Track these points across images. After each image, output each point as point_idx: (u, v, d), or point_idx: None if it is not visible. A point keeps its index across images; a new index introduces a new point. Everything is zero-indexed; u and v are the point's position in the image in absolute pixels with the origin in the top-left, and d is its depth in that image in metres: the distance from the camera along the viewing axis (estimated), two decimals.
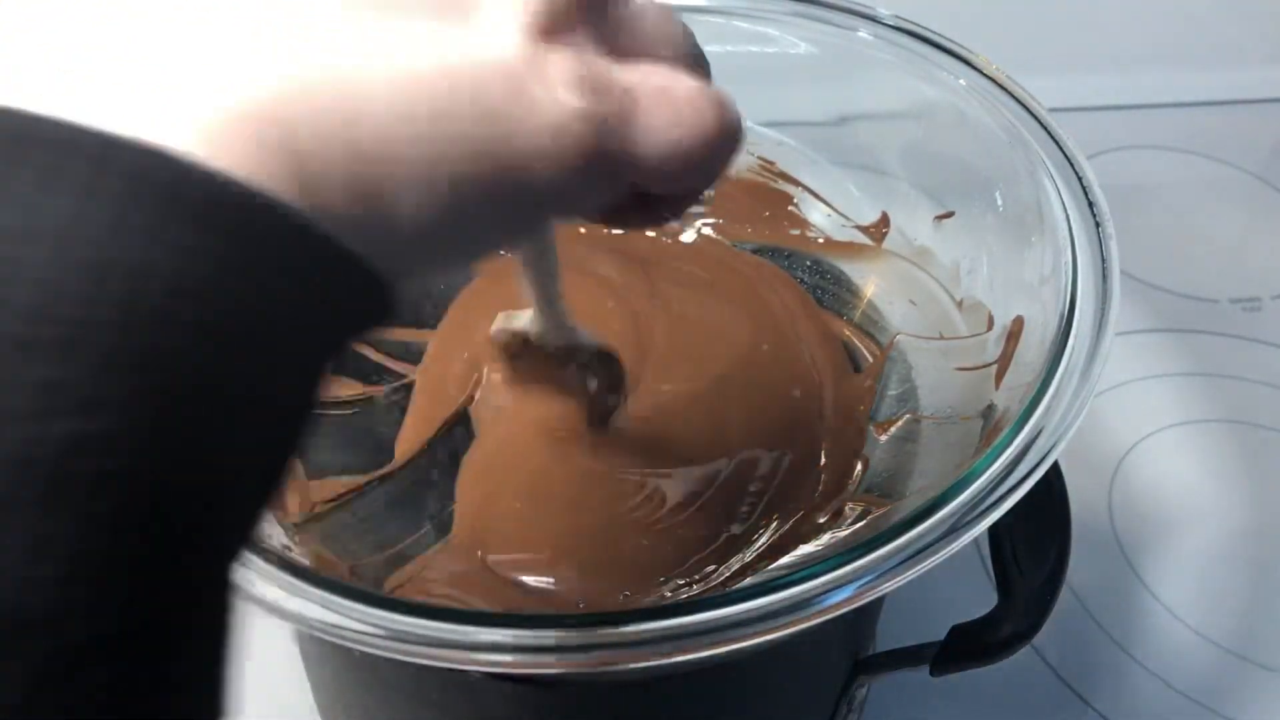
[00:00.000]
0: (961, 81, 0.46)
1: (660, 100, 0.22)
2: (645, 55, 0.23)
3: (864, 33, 0.48)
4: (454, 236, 0.20)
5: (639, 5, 0.23)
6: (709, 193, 0.54)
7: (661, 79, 0.22)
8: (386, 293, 0.18)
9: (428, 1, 0.19)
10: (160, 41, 0.17)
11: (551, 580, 0.41)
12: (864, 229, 0.51)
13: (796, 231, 0.52)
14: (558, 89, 0.20)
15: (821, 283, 0.51)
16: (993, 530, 0.33)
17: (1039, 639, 0.38)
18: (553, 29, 0.20)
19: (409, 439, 0.44)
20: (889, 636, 0.45)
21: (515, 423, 0.44)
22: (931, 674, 0.40)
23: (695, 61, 0.25)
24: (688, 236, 0.53)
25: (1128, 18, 0.76)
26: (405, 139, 0.18)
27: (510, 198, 0.20)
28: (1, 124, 0.15)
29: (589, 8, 0.21)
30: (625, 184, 0.22)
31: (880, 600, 0.32)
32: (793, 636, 0.30)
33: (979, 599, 0.40)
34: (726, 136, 0.23)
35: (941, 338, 0.46)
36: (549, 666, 0.30)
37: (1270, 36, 0.79)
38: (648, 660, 0.30)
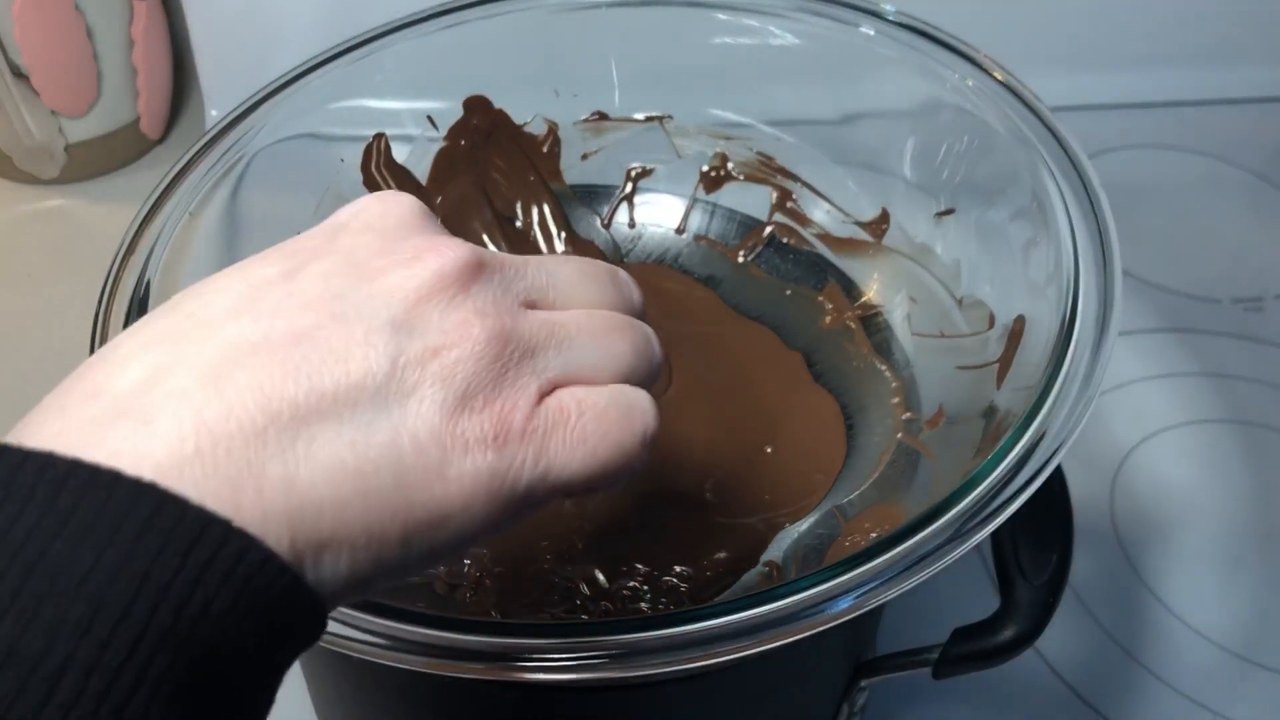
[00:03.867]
0: (964, 79, 0.46)
1: (575, 424, 0.25)
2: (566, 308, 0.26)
3: (867, 29, 0.48)
4: (381, 574, 0.23)
5: (551, 272, 0.26)
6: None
7: (574, 399, 0.25)
8: (323, 617, 0.22)
9: (373, 395, 0.22)
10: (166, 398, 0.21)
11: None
12: (864, 225, 0.50)
13: (796, 227, 0.52)
14: (469, 453, 0.23)
15: (821, 280, 0.51)
16: (995, 532, 0.33)
17: (1041, 641, 0.38)
18: (469, 395, 0.23)
19: None
20: (891, 639, 0.44)
21: None
22: (934, 676, 0.40)
23: (623, 310, 0.27)
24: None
25: (1130, 16, 0.76)
26: (333, 508, 0.22)
27: (430, 545, 0.23)
28: (66, 470, 0.20)
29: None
30: (550, 499, 0.25)
31: (883, 604, 0.31)
32: (794, 641, 0.30)
33: (981, 601, 0.40)
34: (644, 440, 0.26)
35: (942, 335, 0.46)
36: (551, 674, 0.30)
37: (1271, 36, 0.79)
38: (649, 669, 0.30)
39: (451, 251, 0.24)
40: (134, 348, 0.23)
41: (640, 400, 0.26)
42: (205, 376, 0.22)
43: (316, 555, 0.22)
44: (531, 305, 0.26)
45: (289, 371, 0.22)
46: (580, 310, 0.26)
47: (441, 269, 0.24)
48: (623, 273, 0.29)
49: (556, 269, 0.27)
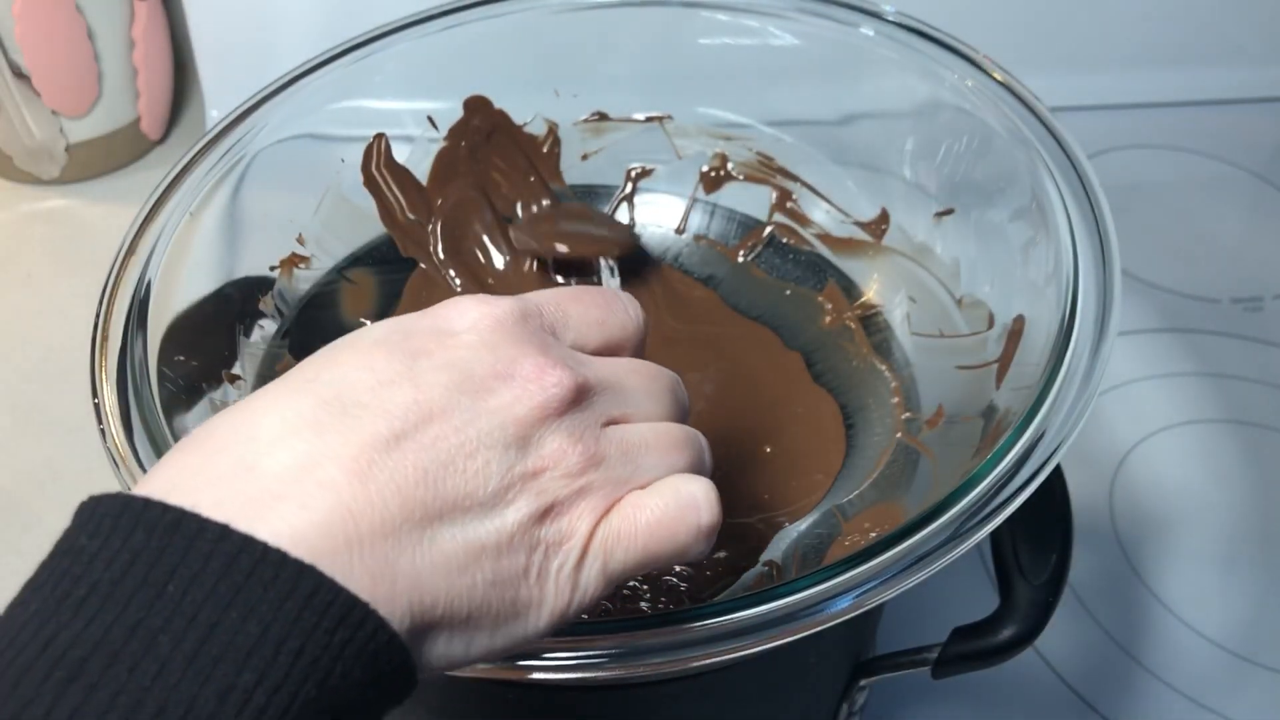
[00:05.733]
0: (964, 79, 0.46)
1: (633, 530, 0.28)
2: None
3: (867, 29, 0.48)
4: (467, 657, 0.27)
5: (626, 390, 0.30)
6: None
7: (633, 507, 0.28)
8: (414, 686, 0.25)
9: (481, 503, 0.26)
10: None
11: None
12: (864, 225, 0.50)
13: (796, 227, 0.52)
14: (547, 553, 0.27)
15: (821, 280, 0.51)
16: (994, 532, 0.33)
17: (1041, 641, 0.38)
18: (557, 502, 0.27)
19: None
20: (890, 639, 0.44)
21: None
22: (933, 676, 0.40)
23: (678, 417, 0.32)
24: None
25: (1129, 17, 0.76)
26: (445, 597, 0.25)
27: (511, 635, 0.27)
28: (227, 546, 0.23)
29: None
30: (615, 586, 0.29)
31: (882, 603, 0.31)
32: (794, 641, 0.30)
33: (980, 601, 0.40)
34: (698, 531, 0.29)
35: (942, 335, 0.46)
36: (551, 674, 0.30)
37: (1271, 36, 0.79)
38: (649, 669, 0.30)
39: (555, 380, 0.28)
40: (279, 429, 0.25)
41: (697, 494, 0.29)
42: (353, 472, 0.25)
43: (423, 635, 0.25)
44: (610, 422, 0.29)
45: (420, 475, 0.25)
46: (648, 425, 0.30)
47: (547, 399, 0.27)
48: (677, 380, 0.33)
49: (631, 385, 0.30)
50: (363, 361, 0.27)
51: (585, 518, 0.28)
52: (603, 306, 0.32)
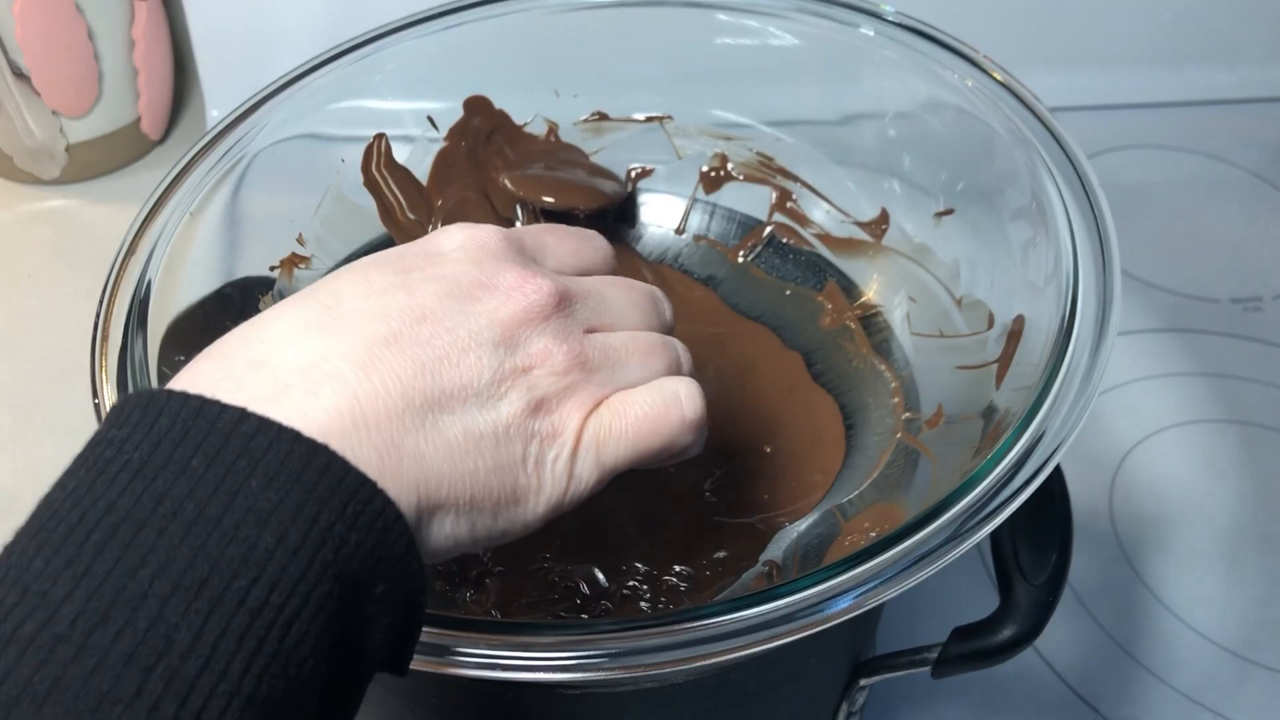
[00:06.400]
0: (964, 79, 0.46)
1: (621, 422, 0.31)
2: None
3: (867, 29, 0.48)
4: (471, 539, 0.29)
5: (607, 300, 0.33)
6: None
7: (620, 401, 0.31)
8: (423, 569, 0.27)
9: (477, 394, 0.28)
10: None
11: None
12: (863, 225, 0.50)
13: (796, 228, 0.52)
14: (542, 444, 0.30)
15: (821, 280, 0.51)
16: (994, 532, 0.33)
17: (1041, 641, 0.38)
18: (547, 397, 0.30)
19: None
20: (890, 638, 0.44)
21: None
22: (933, 676, 0.40)
23: (660, 328, 0.35)
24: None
25: (1129, 17, 0.76)
26: (449, 479, 0.27)
27: (511, 519, 0.29)
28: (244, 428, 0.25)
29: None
30: (606, 480, 0.31)
31: (882, 603, 0.31)
32: (794, 641, 0.30)
33: (980, 600, 0.40)
34: (683, 423, 0.32)
35: (942, 335, 0.46)
36: (551, 674, 0.30)
37: (1270, 36, 0.79)
38: (649, 669, 0.30)
39: (535, 287, 0.30)
40: (286, 330, 0.28)
41: (679, 390, 0.32)
42: (356, 364, 0.27)
43: (429, 516, 0.27)
44: (591, 329, 0.32)
45: (418, 368, 0.28)
46: (628, 333, 0.33)
47: (529, 304, 0.30)
48: (659, 294, 0.35)
49: (611, 297, 0.33)
50: (359, 277, 0.30)
51: (574, 413, 0.30)
52: (577, 238, 0.35)
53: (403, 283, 0.29)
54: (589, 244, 0.36)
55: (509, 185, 0.51)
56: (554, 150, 0.52)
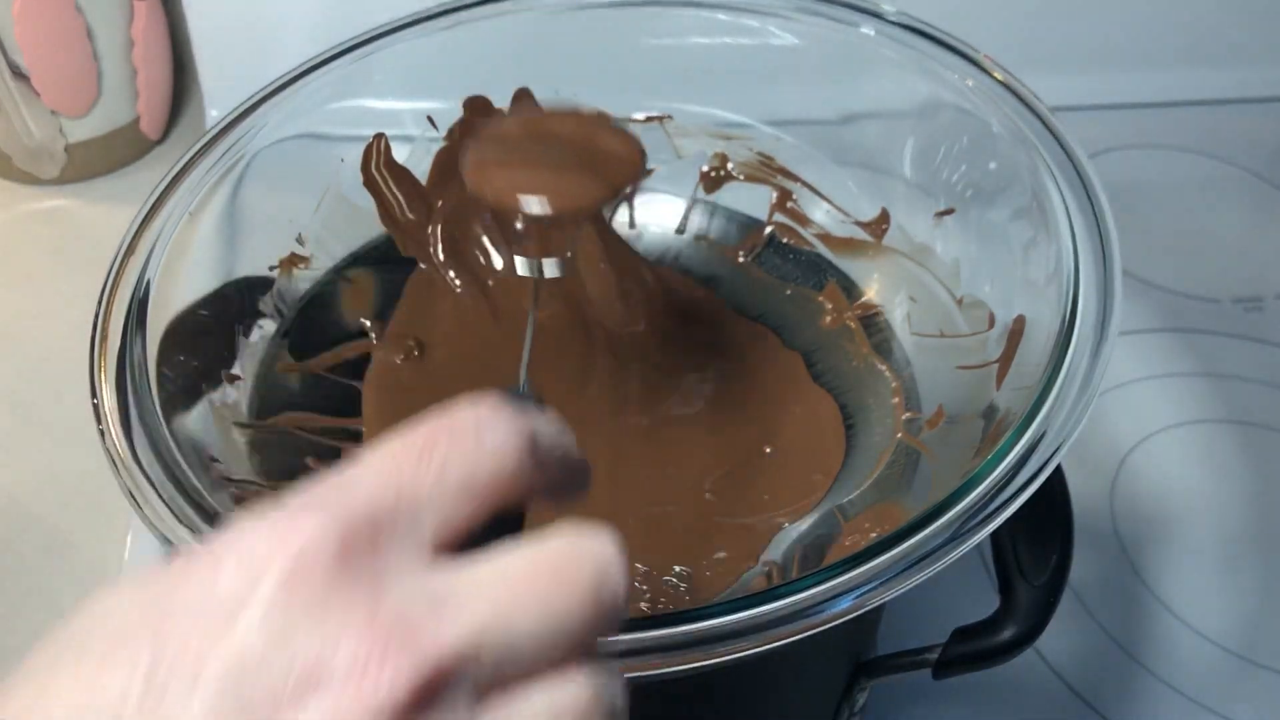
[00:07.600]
0: (964, 79, 0.46)
1: None
2: None
3: (867, 29, 0.48)
4: None
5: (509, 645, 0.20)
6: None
7: None
8: None
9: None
10: None
11: None
12: (864, 225, 0.50)
13: (796, 228, 0.52)
14: None
15: (821, 280, 0.51)
16: (994, 532, 0.33)
17: (1041, 641, 0.38)
18: None
19: None
20: (890, 639, 0.44)
21: None
22: (934, 677, 0.40)
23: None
24: None
25: (1129, 17, 0.76)
26: None
27: None
28: None
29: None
30: None
31: (882, 604, 0.31)
32: (794, 641, 0.30)
33: (981, 601, 0.40)
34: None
35: (942, 335, 0.46)
36: None
37: (1270, 36, 0.79)
38: (649, 669, 0.30)
39: (387, 676, 0.18)
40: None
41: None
42: None
43: None
44: (487, 694, 0.20)
45: None
46: (543, 699, 0.20)
47: (378, 710, 0.18)
48: (602, 565, 0.21)
49: (518, 624, 0.20)
50: (87, 682, 0.18)
51: None
52: (465, 449, 0.21)
53: (152, 708, 0.18)
54: (486, 454, 0.21)
55: (468, 181, 0.38)
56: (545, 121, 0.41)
